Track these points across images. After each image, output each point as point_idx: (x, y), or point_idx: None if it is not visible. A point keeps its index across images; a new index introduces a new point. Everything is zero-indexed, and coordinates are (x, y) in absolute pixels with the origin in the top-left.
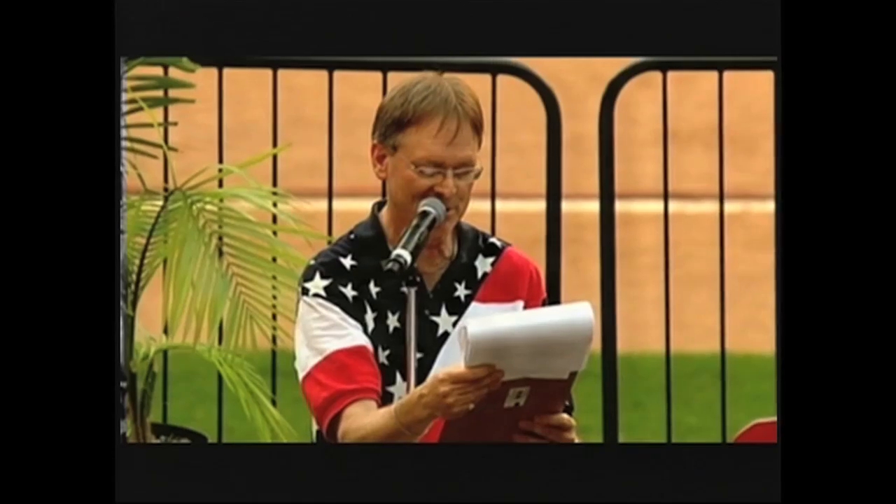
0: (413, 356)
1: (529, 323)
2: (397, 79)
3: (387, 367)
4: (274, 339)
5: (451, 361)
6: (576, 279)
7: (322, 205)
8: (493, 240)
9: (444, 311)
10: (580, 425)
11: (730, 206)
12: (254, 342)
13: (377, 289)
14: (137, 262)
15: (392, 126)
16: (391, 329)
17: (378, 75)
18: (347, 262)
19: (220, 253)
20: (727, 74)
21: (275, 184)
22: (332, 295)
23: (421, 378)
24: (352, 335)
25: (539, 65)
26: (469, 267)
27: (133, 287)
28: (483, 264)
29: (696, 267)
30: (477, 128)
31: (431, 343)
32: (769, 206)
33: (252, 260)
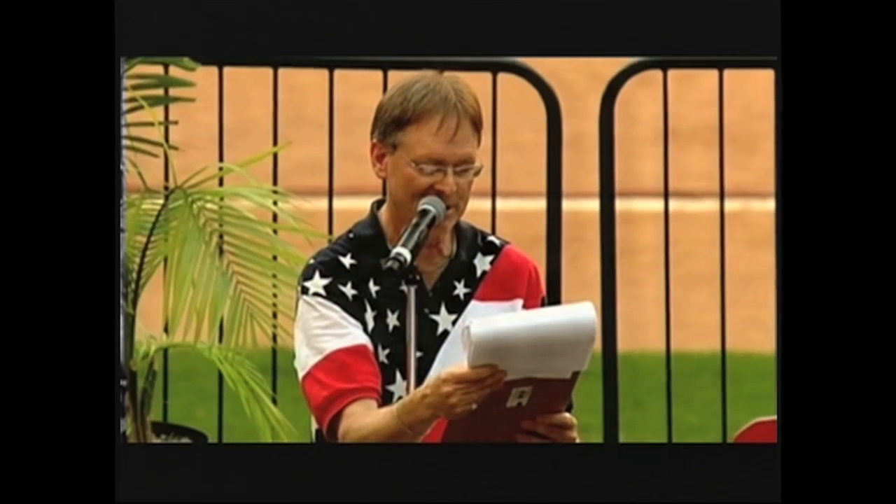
0: (413, 355)
1: (532, 323)
2: (398, 78)
3: (387, 365)
4: (274, 338)
5: (450, 360)
6: (576, 278)
7: (322, 203)
8: (491, 238)
9: (443, 310)
10: (580, 424)
11: (730, 205)
12: (254, 340)
13: (377, 287)
14: (138, 260)
15: (392, 125)
16: (391, 328)
17: (379, 74)
18: (347, 260)
19: (221, 251)
20: (727, 73)
21: (275, 182)
22: (332, 294)
23: (420, 377)
24: (352, 334)
25: (539, 64)
26: (468, 265)
27: (133, 285)
28: (482, 263)
29: (696, 266)
30: (476, 125)
31: (431, 342)
32: (769, 205)
33: (252, 258)
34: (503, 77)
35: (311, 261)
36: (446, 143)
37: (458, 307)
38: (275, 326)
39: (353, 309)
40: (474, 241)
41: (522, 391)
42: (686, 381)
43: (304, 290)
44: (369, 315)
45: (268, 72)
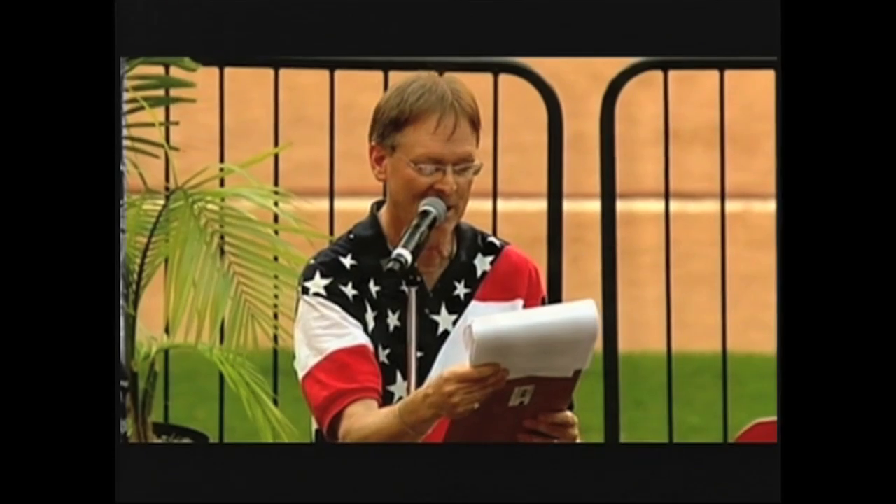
0: (414, 355)
1: (534, 322)
2: (398, 78)
3: (387, 366)
4: (275, 339)
5: (451, 360)
6: (577, 278)
7: (323, 204)
8: (491, 239)
9: (443, 310)
10: (581, 424)
11: (731, 206)
12: (255, 341)
13: (377, 288)
14: (139, 261)
15: (389, 126)
16: (391, 328)
17: (379, 75)
18: (347, 261)
19: (222, 252)
20: (728, 73)
21: (276, 183)
22: (333, 294)
23: (421, 377)
24: (352, 334)
25: (540, 64)
26: (468, 266)
27: (134, 286)
28: (482, 263)
29: (697, 266)
30: (474, 124)
31: (431, 342)
32: (770, 206)
33: (253, 259)
34: (504, 78)
35: (312, 261)
36: (444, 142)
37: (458, 307)
38: (276, 327)
39: (354, 309)
40: (474, 242)
41: (525, 390)
42: (687, 381)
43: (305, 291)
44: (370, 315)
45: (268, 72)
